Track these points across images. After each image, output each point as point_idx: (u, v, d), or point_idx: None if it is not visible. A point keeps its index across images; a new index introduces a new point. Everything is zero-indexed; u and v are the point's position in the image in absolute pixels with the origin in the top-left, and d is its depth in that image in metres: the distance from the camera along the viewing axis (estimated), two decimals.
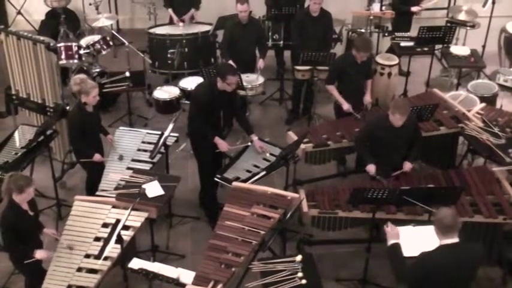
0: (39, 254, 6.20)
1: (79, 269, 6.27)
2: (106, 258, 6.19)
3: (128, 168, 7.47)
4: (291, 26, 9.77)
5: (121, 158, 7.72)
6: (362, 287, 7.16)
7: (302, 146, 7.76)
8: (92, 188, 7.60)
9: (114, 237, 6.03)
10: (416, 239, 6.09)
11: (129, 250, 6.55)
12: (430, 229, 6.10)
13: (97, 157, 7.51)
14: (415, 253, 6.04)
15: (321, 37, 9.50)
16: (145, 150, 7.84)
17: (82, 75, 7.61)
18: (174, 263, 6.84)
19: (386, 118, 7.26)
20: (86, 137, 7.42)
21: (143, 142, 8.00)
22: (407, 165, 7.47)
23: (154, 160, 7.69)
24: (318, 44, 9.38)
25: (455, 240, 5.37)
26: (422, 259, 5.48)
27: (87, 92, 7.27)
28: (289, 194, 6.99)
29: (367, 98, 8.60)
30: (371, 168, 7.41)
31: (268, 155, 7.71)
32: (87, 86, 7.29)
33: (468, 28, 11.00)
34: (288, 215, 6.59)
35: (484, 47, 11.06)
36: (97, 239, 6.49)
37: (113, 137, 7.96)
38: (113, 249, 6.20)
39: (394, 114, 7.11)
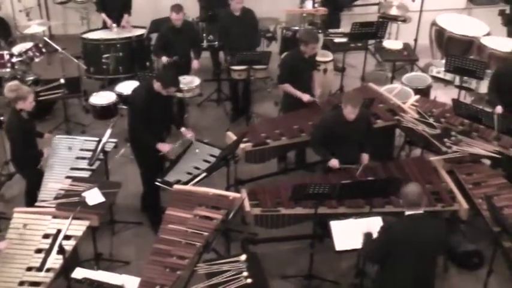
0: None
1: (21, 283, 6.13)
2: (48, 270, 6.08)
3: (67, 177, 7.35)
4: (217, 27, 9.79)
5: (70, 148, 7.69)
6: (308, 283, 7.21)
7: (242, 145, 7.77)
8: (31, 197, 7.47)
9: (56, 248, 5.94)
10: (358, 232, 6.19)
11: (72, 260, 6.46)
12: (371, 221, 6.25)
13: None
14: (357, 245, 6.17)
15: (248, 35, 9.54)
16: (83, 158, 7.73)
17: (16, 82, 7.51)
18: (119, 270, 6.79)
19: (339, 114, 7.31)
20: (26, 143, 7.31)
21: (81, 149, 7.90)
22: (365, 157, 7.55)
23: (94, 167, 7.59)
24: (246, 43, 9.41)
25: (421, 211, 5.66)
26: (386, 227, 5.77)
27: (25, 98, 7.17)
28: (231, 194, 7.00)
29: (317, 90, 8.68)
30: (334, 162, 7.43)
31: (207, 154, 7.72)
32: (23, 91, 7.20)
33: (400, 23, 11.23)
34: (231, 215, 6.61)
35: (416, 40, 11.27)
36: (38, 250, 6.36)
37: (50, 135, 7.93)
38: (55, 260, 6.09)
39: (346, 106, 7.16)
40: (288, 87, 8.50)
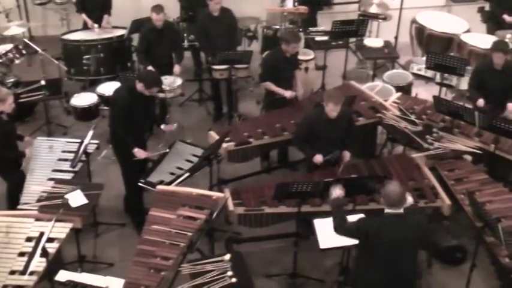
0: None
1: (4, 287, 6.08)
2: (32, 273, 6.04)
3: (49, 179, 7.32)
4: (195, 28, 9.78)
5: (51, 147, 7.67)
6: (292, 281, 7.22)
7: (224, 145, 7.77)
8: (14, 200, 7.43)
9: (39, 251, 5.91)
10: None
11: (56, 263, 6.41)
12: (355, 218, 6.26)
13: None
14: (341, 243, 6.19)
15: (227, 35, 9.53)
16: (66, 160, 7.70)
17: None
18: (103, 272, 6.79)
19: (321, 112, 7.32)
20: (6, 146, 7.27)
21: (63, 151, 7.86)
22: (347, 155, 7.57)
23: (76, 169, 7.56)
24: (225, 43, 9.41)
25: (400, 211, 5.70)
26: (363, 221, 5.86)
27: (4, 100, 7.15)
28: (214, 194, 7.00)
29: (299, 89, 8.69)
30: (318, 158, 7.44)
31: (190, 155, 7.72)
32: (2, 94, 7.19)
33: (380, 20, 11.26)
34: (214, 215, 6.60)
35: (396, 38, 11.33)
36: (21, 254, 6.30)
37: (30, 138, 7.87)
38: (39, 263, 6.05)
39: (328, 104, 7.18)
40: (270, 85, 8.51)
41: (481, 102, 8.28)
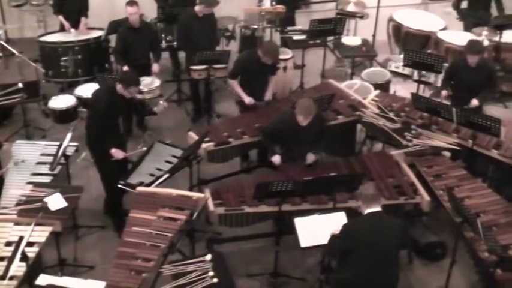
0: None
1: None
2: (12, 278, 5.97)
3: (28, 183, 7.27)
4: (177, 28, 9.76)
5: (16, 163, 7.58)
6: (274, 280, 7.23)
7: (204, 145, 7.76)
8: None
9: (19, 255, 5.86)
10: (323, 227, 6.24)
11: (36, 267, 6.37)
12: (335, 216, 6.30)
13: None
14: (322, 241, 6.21)
15: (209, 35, 9.53)
16: (44, 163, 7.65)
17: None
18: (83, 275, 6.77)
19: (293, 116, 7.34)
20: None
21: (42, 154, 7.81)
22: (311, 157, 7.58)
23: (55, 172, 7.51)
24: (207, 42, 9.41)
25: (378, 209, 5.81)
26: (348, 225, 5.91)
27: None
28: (195, 194, 6.99)
29: (267, 95, 8.71)
30: (276, 159, 7.51)
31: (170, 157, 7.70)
32: None
33: (357, 19, 11.29)
34: (195, 216, 6.60)
35: (374, 36, 11.38)
36: (1, 258, 6.23)
37: (9, 145, 7.83)
38: (18, 268, 5.99)
39: (299, 116, 7.23)
40: (234, 84, 8.54)
41: (444, 93, 8.41)
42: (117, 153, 7.51)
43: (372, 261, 5.77)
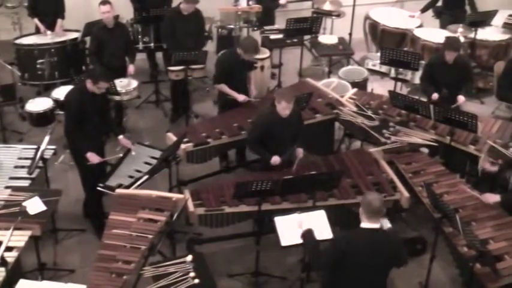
0: None
1: None
2: None
3: (6, 187, 7.20)
4: (162, 26, 9.73)
5: None
6: (255, 280, 7.23)
7: (182, 146, 7.74)
8: None
9: None
10: (303, 226, 6.25)
11: (15, 272, 6.32)
12: (315, 215, 6.30)
13: None
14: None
15: (195, 34, 9.51)
16: (22, 167, 7.59)
17: None
18: (64, 279, 6.74)
19: (273, 112, 7.35)
20: None
21: (19, 158, 7.75)
22: (300, 151, 7.59)
23: (33, 175, 7.45)
24: (192, 42, 9.40)
25: (376, 226, 5.54)
26: (338, 239, 5.68)
27: None
28: (174, 195, 6.98)
29: (253, 90, 8.72)
30: (276, 159, 7.45)
31: (148, 157, 7.68)
32: None
33: (334, 17, 11.34)
34: (175, 217, 6.58)
35: (350, 34, 11.43)
36: None
37: None
38: None
39: (280, 102, 7.19)
40: (224, 87, 8.50)
41: (435, 96, 8.46)
42: (92, 157, 7.45)
43: (358, 278, 5.61)
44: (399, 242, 5.84)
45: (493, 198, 7.02)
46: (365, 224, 5.54)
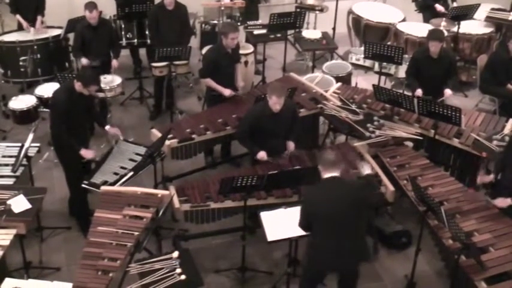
0: None
1: None
2: None
3: None
4: (146, 22, 9.69)
5: None
6: (242, 275, 7.24)
7: (167, 142, 7.73)
8: None
9: None
10: (289, 221, 6.26)
11: (0, 271, 6.31)
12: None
13: None
14: (288, 235, 6.23)
15: (179, 30, 9.49)
16: (6, 165, 7.54)
17: None
18: (50, 277, 6.71)
19: (265, 106, 7.35)
20: None
21: (3, 156, 7.70)
22: (291, 145, 7.63)
23: (17, 173, 7.41)
24: (176, 37, 9.38)
25: (334, 174, 5.83)
26: (305, 193, 6.01)
27: None
28: (160, 192, 6.97)
29: (240, 83, 8.71)
30: (262, 154, 7.48)
31: (133, 153, 7.67)
32: None
33: (317, 12, 11.35)
34: (160, 213, 6.58)
35: (334, 29, 11.45)
36: None
37: None
38: None
39: (271, 97, 7.21)
40: (209, 82, 8.48)
41: (419, 92, 8.48)
42: (87, 153, 7.47)
43: (330, 227, 5.80)
44: (362, 183, 6.23)
45: (505, 202, 6.88)
46: (325, 175, 5.88)
